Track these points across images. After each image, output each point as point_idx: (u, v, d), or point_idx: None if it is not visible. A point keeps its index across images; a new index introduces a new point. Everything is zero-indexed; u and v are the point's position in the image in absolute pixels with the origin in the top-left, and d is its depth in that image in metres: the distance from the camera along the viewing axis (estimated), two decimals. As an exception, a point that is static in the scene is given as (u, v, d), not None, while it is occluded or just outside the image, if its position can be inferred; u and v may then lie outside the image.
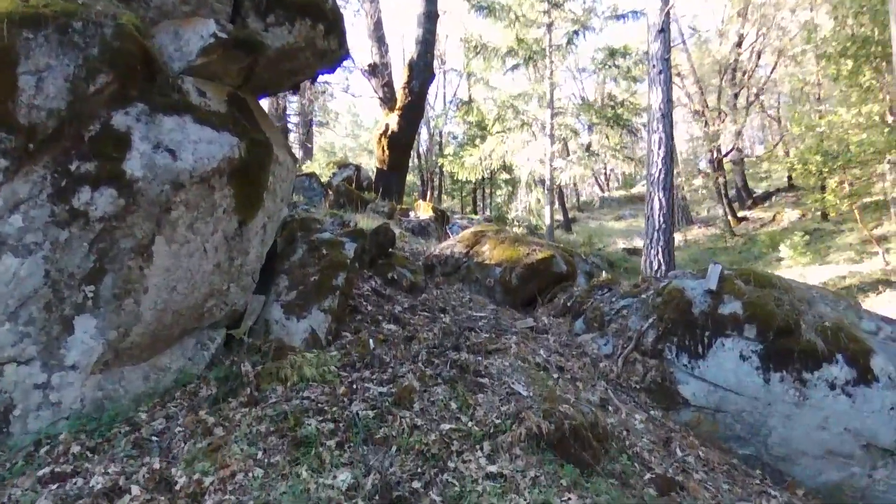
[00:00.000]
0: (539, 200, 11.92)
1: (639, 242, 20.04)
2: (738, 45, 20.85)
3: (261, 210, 3.30)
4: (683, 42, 20.01)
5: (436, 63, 14.17)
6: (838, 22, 10.83)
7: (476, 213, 25.00)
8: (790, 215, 19.55)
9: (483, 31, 12.68)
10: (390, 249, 5.34)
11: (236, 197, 3.00)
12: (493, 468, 2.25)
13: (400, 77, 12.05)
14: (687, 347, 3.75)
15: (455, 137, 25.64)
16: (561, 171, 11.44)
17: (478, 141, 19.93)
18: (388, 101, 12.15)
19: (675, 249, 8.14)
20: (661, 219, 7.83)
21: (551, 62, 11.45)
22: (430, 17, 11.62)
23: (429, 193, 22.07)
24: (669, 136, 8.13)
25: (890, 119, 11.05)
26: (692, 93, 20.68)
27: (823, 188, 14.52)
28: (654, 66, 8.30)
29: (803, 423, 3.45)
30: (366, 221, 6.84)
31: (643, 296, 4.30)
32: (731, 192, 22.29)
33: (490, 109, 12.39)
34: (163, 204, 2.58)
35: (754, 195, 24.09)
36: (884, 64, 10.28)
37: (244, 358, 2.82)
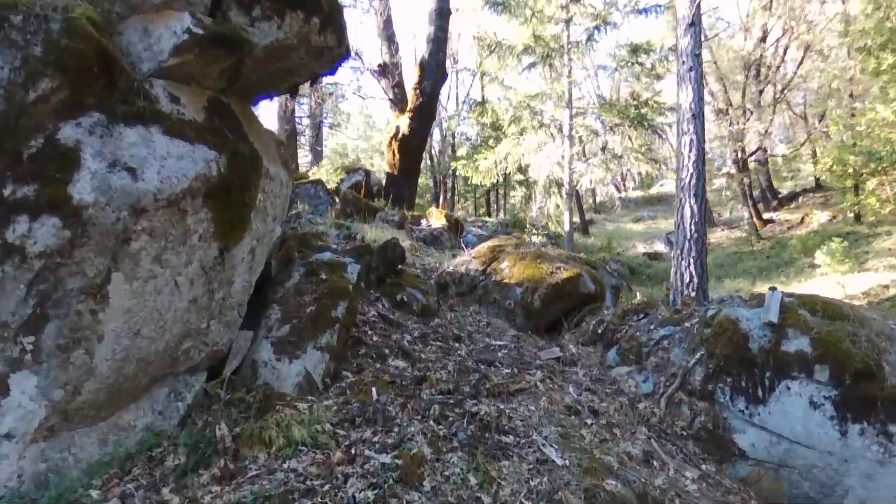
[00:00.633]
0: (558, 206, 11.35)
1: (660, 246, 19.34)
2: (763, 39, 20.01)
3: (247, 233, 2.85)
4: (705, 37, 19.22)
5: (448, 62, 13.69)
6: (882, 11, 10.07)
7: (490, 215, 24.47)
8: (819, 217, 18.67)
9: (497, 29, 12.16)
10: (399, 266, 4.87)
11: (216, 220, 2.55)
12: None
13: (411, 77, 11.60)
14: (744, 390, 3.20)
15: (468, 139, 25.15)
16: (581, 174, 10.86)
17: (491, 142, 19.41)
18: (398, 102, 11.69)
19: (699, 254, 7.50)
20: (693, 227, 7.22)
21: (570, 60, 10.88)
22: (443, 14, 11.14)
23: (441, 197, 21.59)
24: (701, 138, 7.51)
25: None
26: (715, 91, 19.88)
27: (857, 189, 13.70)
28: (683, 62, 7.69)
29: (888, 483, 2.88)
30: (374, 233, 6.39)
31: (686, 324, 3.76)
32: (755, 193, 21.44)
33: (505, 110, 11.83)
34: (120, 234, 2.13)
35: (779, 196, 23.18)
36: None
37: (219, 415, 2.36)
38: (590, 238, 19.79)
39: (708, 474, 3.05)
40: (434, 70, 11.06)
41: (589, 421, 3.19)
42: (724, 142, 19.92)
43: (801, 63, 20.21)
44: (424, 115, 11.24)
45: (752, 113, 19.51)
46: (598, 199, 30.94)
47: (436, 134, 22.60)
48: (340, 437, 2.38)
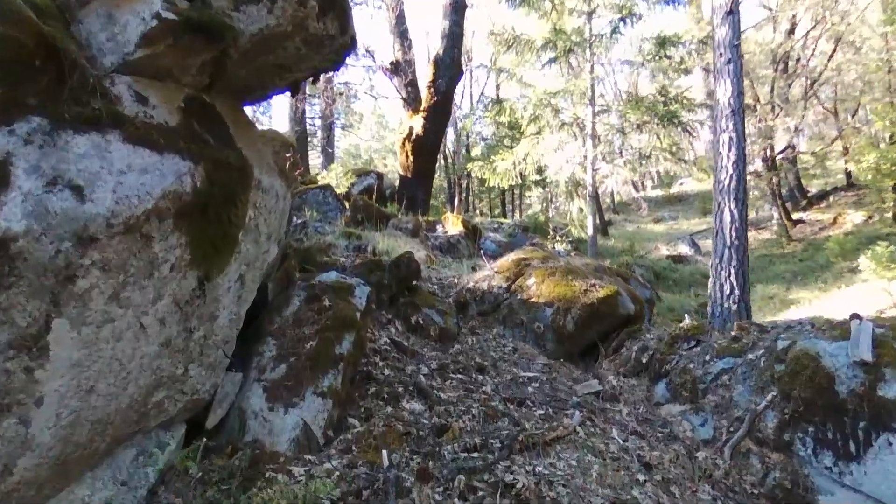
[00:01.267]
0: (581, 210, 10.75)
1: (684, 248, 18.55)
2: (791, 31, 19.11)
3: (234, 257, 2.40)
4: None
5: (463, 59, 13.18)
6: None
7: (505, 216, 23.87)
8: (853, 217, 17.75)
9: (515, 23, 11.62)
10: (414, 282, 4.40)
11: (192, 245, 2.10)
12: None
13: (424, 75, 11.11)
14: (831, 442, 2.65)
15: (484, 139, 24.59)
16: (606, 176, 10.27)
17: (507, 142, 18.81)
18: (412, 101, 11.22)
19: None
20: (734, 234, 6.62)
21: (593, 54, 10.28)
22: (458, 9, 10.64)
23: (457, 198, 21.09)
24: (741, 136, 6.90)
25: None
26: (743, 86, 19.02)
27: (896, 188, 12.83)
28: (721, 53, 7.09)
29: None
30: (386, 242, 5.92)
31: (750, 356, 3.21)
32: (783, 192, 20.52)
33: (523, 108, 11.26)
34: (61, 270, 1.68)
35: (809, 195, 22.19)
36: None
37: (191, 496, 1.90)
38: (610, 240, 19.10)
39: (790, 548, 2.52)
40: (449, 67, 10.56)
41: (641, 477, 2.68)
42: (752, 139, 19.06)
43: (831, 55, 19.26)
44: (439, 114, 10.75)
45: (780, 109, 18.64)
46: (616, 199, 30.11)
47: (450, 133, 22.12)
48: (342, 519, 1.90)
